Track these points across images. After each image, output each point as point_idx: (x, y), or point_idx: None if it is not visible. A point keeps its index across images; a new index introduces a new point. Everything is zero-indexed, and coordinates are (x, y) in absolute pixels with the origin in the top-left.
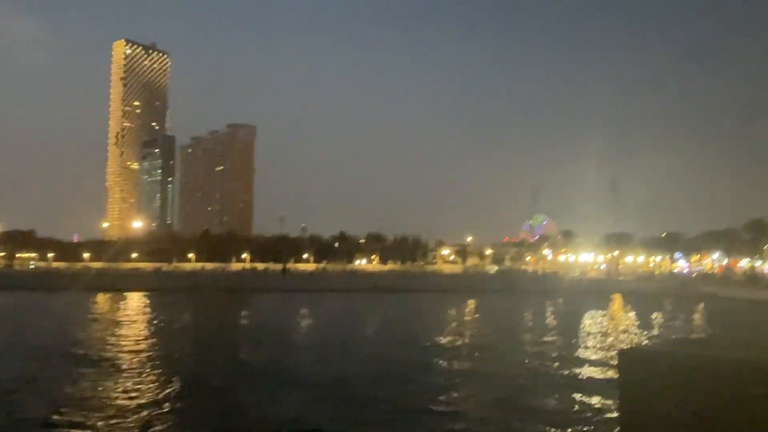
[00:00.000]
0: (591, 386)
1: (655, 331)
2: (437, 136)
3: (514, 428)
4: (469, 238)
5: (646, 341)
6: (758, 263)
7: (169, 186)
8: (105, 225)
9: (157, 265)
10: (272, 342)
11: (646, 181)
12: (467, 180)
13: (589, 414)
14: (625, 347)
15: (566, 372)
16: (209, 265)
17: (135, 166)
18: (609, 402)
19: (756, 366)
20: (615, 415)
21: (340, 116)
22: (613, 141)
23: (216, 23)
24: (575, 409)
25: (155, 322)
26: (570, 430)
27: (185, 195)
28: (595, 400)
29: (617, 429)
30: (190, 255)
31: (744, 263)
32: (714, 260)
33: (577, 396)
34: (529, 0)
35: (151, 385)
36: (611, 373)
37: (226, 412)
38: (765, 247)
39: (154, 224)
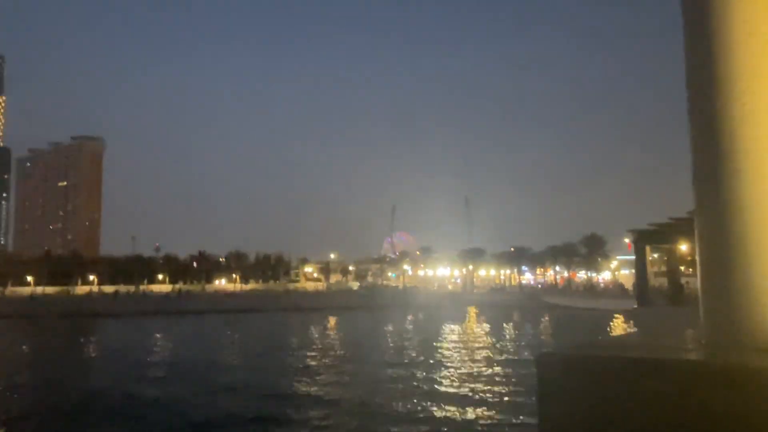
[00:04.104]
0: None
1: (508, 341)
2: (297, 153)
3: None
4: (333, 255)
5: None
6: (593, 275)
7: (3, 203)
8: None
9: None
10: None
11: (497, 197)
12: (329, 198)
13: None
14: (543, 351)
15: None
16: (50, 289)
17: None
18: None
19: (652, 363)
20: None
21: (195, 132)
22: (469, 159)
23: (59, 28)
24: None
25: None
26: None
27: (23, 212)
28: None
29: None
30: (29, 278)
31: (582, 275)
32: (556, 272)
33: None
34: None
35: None
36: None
37: None
38: (599, 260)
39: None
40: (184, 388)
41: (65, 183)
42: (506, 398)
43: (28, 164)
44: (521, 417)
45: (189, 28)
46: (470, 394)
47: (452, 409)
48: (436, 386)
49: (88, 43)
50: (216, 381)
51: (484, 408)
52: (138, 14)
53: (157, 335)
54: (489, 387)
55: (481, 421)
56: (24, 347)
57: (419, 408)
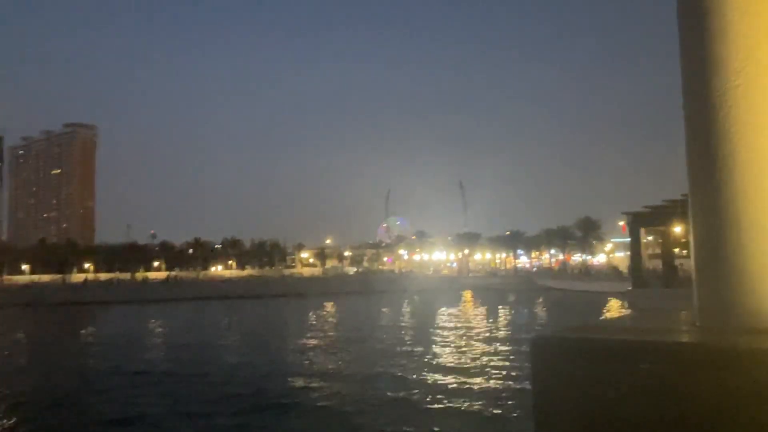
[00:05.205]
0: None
1: (502, 322)
2: (292, 139)
3: None
4: (328, 241)
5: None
6: (588, 257)
7: None
8: None
9: None
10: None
11: (492, 181)
12: (324, 184)
13: None
14: (537, 333)
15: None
16: (46, 278)
17: None
18: None
19: (646, 345)
20: None
21: (190, 119)
22: (463, 143)
23: (49, 14)
24: None
25: None
26: None
27: (16, 201)
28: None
29: (532, 413)
30: (24, 267)
31: (577, 257)
32: (551, 256)
33: None
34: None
35: None
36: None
37: None
38: (593, 243)
39: None
40: (183, 367)
41: (59, 171)
42: (498, 371)
43: (21, 152)
44: (511, 384)
45: (183, 17)
46: (466, 367)
47: (450, 378)
48: (434, 361)
49: (82, 31)
50: (217, 362)
51: (480, 377)
52: (133, 4)
53: (155, 321)
54: (484, 361)
55: (476, 388)
56: (21, 335)
57: (420, 379)
